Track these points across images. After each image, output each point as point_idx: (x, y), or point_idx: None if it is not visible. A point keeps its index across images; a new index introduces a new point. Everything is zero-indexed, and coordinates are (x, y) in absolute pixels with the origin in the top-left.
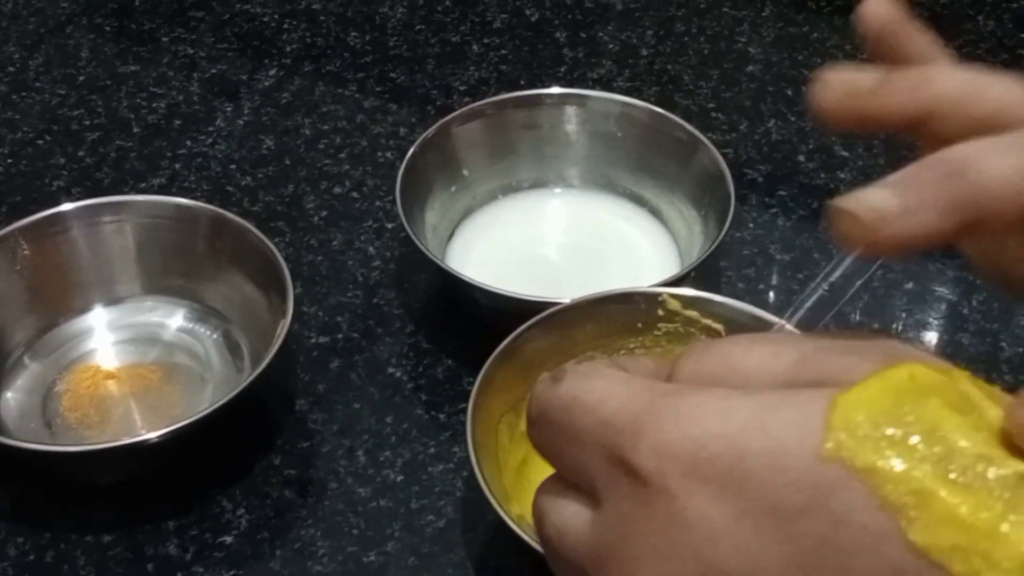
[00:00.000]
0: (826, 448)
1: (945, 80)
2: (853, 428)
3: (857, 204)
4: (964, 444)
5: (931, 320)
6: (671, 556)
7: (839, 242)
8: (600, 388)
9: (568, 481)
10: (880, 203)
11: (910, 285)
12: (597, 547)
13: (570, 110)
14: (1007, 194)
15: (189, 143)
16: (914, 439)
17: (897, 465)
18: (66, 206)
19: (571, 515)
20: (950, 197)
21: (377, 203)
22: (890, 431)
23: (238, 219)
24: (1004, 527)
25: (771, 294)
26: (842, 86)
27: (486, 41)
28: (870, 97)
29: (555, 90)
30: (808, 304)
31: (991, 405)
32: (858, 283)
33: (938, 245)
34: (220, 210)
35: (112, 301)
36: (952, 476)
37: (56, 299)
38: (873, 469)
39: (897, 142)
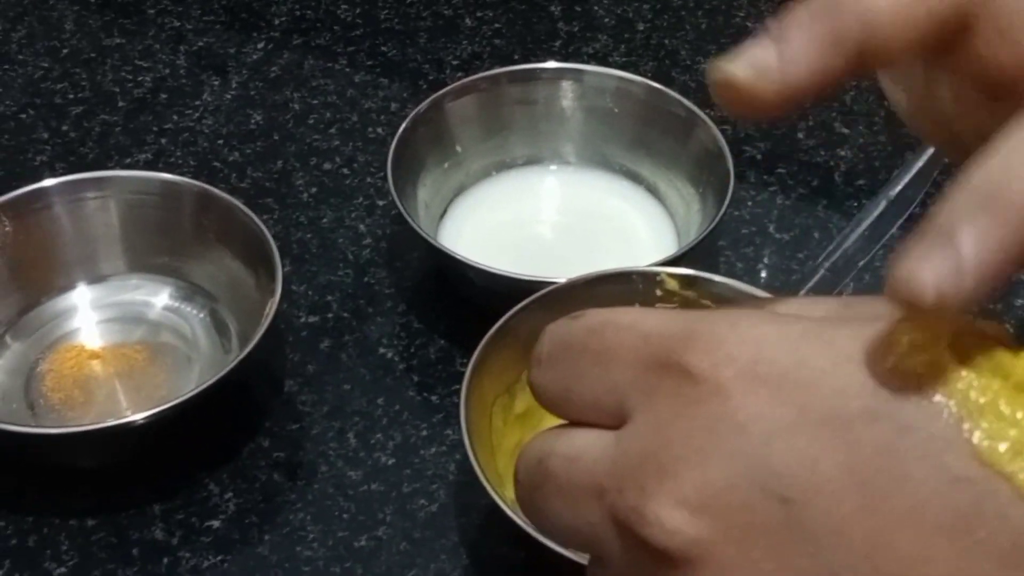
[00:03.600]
0: (893, 354)
1: None
2: (917, 341)
3: (733, 67)
4: None
5: None
6: (720, 456)
7: (726, 110)
8: (635, 312)
9: (577, 424)
10: (756, 60)
11: None
12: (625, 458)
13: (566, 85)
14: (891, 20)
15: (175, 118)
16: (981, 357)
17: (968, 373)
18: (48, 181)
19: (587, 440)
20: (830, 34)
21: (368, 180)
22: (955, 345)
23: (225, 195)
24: None
25: (770, 274)
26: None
27: (479, 15)
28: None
29: (550, 65)
30: (809, 285)
31: None
32: (861, 263)
33: (834, 88)
34: (206, 186)
35: (96, 279)
36: None
37: (38, 277)
38: (944, 377)
39: (897, 120)
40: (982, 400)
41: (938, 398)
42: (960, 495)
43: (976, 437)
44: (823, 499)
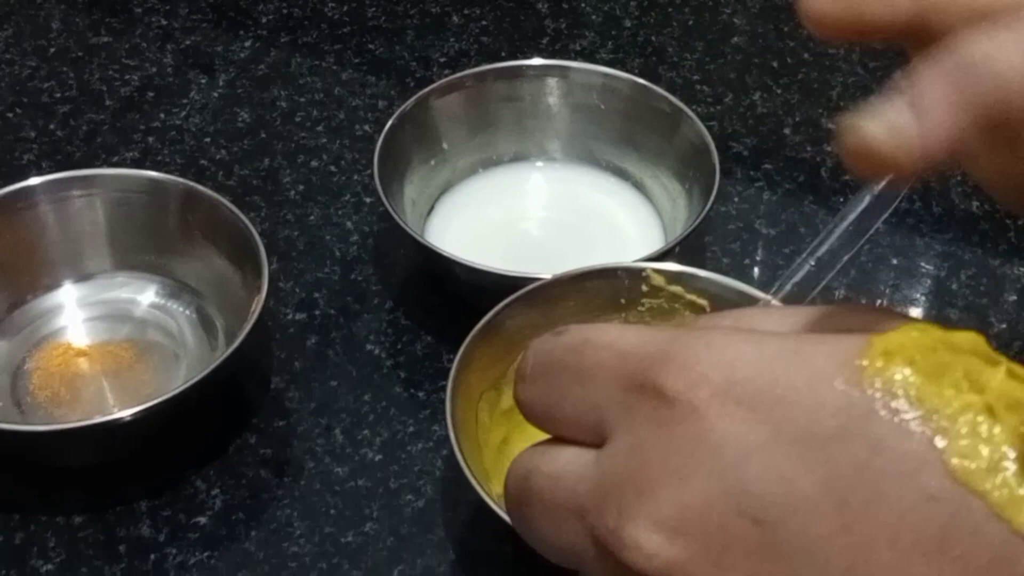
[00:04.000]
0: (867, 373)
1: None
2: (891, 357)
3: (871, 130)
4: (1000, 385)
5: (919, 296)
6: (696, 477)
7: (856, 174)
8: (615, 330)
9: (561, 439)
10: (896, 126)
11: (897, 260)
12: (604, 480)
13: (552, 82)
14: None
15: (163, 116)
16: (954, 373)
17: (941, 389)
18: (34, 180)
19: (569, 459)
20: (967, 101)
21: (355, 177)
22: (928, 365)
23: (211, 193)
24: None
25: (756, 269)
26: None
27: (466, 12)
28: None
29: (536, 61)
30: (795, 279)
31: (1014, 364)
32: (845, 258)
33: (957, 156)
34: (193, 184)
35: (82, 277)
36: (997, 408)
37: (25, 275)
38: (917, 394)
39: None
40: (956, 417)
41: (911, 415)
42: (936, 513)
43: (949, 455)
44: (799, 519)
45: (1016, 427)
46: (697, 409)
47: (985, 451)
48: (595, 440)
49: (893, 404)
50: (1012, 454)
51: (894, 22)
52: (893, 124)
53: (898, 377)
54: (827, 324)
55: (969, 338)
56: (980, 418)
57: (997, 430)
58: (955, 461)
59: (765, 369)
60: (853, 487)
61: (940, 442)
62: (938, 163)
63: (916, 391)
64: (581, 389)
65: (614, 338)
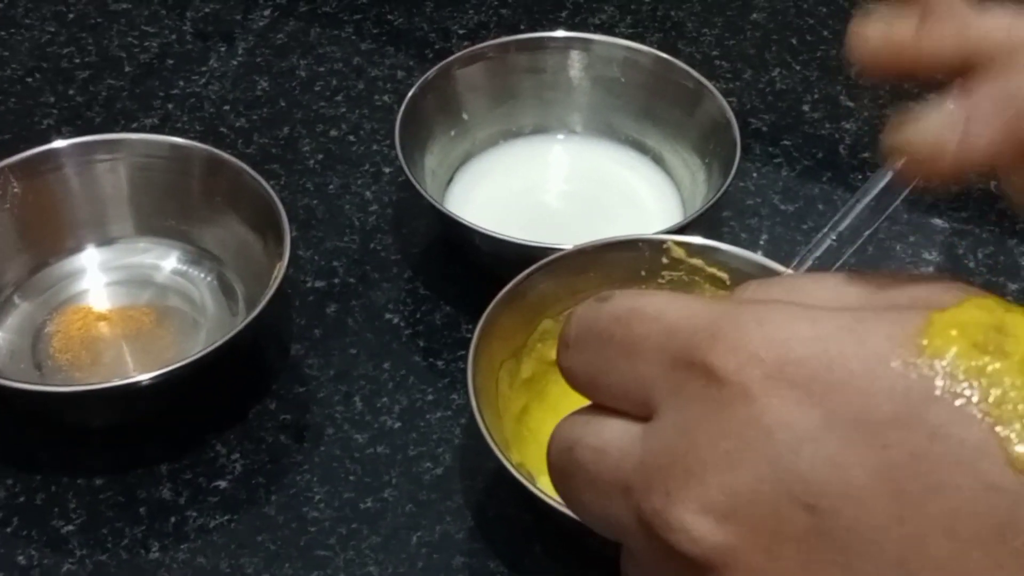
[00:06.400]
0: (926, 354)
1: (986, 23)
2: (951, 337)
3: (913, 135)
4: None
5: (936, 273)
6: (745, 462)
7: (894, 174)
8: (662, 300)
9: (605, 408)
10: (938, 137)
11: (914, 238)
12: (651, 459)
13: (574, 54)
14: None
15: (182, 83)
16: (1018, 355)
17: (1002, 375)
18: (59, 143)
19: (615, 432)
20: (1011, 130)
21: (374, 147)
22: (991, 345)
23: (234, 160)
24: None
25: (774, 245)
26: (879, 38)
27: None
28: (909, 48)
29: (559, 33)
30: (816, 254)
31: None
32: (866, 233)
33: (990, 171)
34: (216, 150)
35: (105, 241)
36: None
37: (47, 238)
38: (977, 380)
39: (903, 92)
40: (1018, 405)
41: (971, 402)
42: (995, 503)
43: (1010, 443)
44: (853, 507)
45: None
46: (748, 391)
47: None
48: (641, 413)
49: (953, 388)
50: None
51: (938, 70)
52: (937, 136)
53: (959, 360)
54: (885, 297)
55: None
56: None
57: None
58: (1018, 449)
59: (820, 350)
60: (909, 476)
61: (1002, 429)
62: (970, 173)
63: (975, 375)
64: (627, 362)
65: (661, 309)
